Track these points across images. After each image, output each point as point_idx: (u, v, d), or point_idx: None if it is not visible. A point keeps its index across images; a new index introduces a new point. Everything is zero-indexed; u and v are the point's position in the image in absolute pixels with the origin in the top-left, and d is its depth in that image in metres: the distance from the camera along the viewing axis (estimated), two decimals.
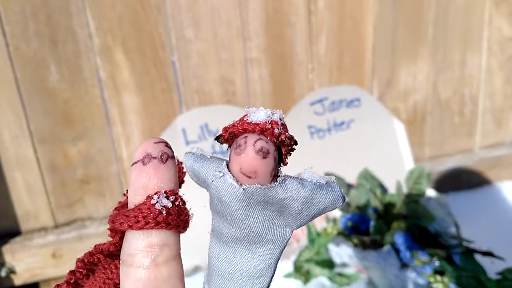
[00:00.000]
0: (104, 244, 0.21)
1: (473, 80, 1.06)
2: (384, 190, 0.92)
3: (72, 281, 0.21)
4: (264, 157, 0.19)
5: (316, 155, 0.94)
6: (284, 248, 0.21)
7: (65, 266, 0.87)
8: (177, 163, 0.22)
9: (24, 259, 0.85)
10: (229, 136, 0.20)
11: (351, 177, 0.92)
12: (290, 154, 0.20)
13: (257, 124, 0.19)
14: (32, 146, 0.83)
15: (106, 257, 0.21)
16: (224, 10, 0.86)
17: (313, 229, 0.82)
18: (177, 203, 0.20)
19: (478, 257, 0.73)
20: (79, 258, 0.21)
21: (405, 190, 0.87)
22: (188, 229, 0.21)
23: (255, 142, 0.19)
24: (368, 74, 0.98)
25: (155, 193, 0.20)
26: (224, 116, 0.89)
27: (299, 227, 0.21)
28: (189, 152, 0.22)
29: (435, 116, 1.06)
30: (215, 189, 0.20)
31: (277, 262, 0.21)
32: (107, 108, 0.86)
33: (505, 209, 1.03)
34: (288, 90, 0.94)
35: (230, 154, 0.20)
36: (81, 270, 0.21)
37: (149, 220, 0.19)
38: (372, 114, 0.97)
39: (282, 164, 0.20)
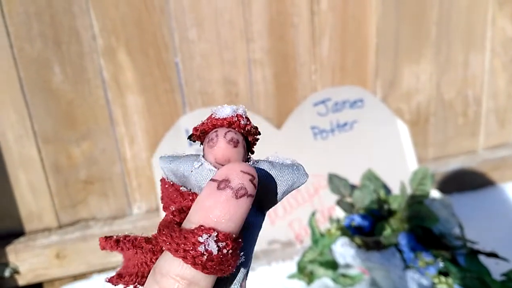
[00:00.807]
0: (146, 244, 0.21)
1: (477, 80, 1.06)
2: (387, 191, 0.92)
3: (116, 248, 0.21)
4: (235, 146, 0.21)
5: (319, 156, 0.94)
6: (260, 229, 0.23)
7: (69, 266, 0.88)
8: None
9: (28, 260, 0.86)
10: (201, 133, 0.22)
11: (355, 178, 0.92)
12: (255, 143, 0.23)
13: (225, 119, 0.21)
14: (36, 146, 0.84)
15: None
16: (227, 11, 0.86)
17: (316, 230, 0.82)
18: (224, 251, 0.19)
19: (482, 258, 0.73)
20: (125, 238, 0.21)
21: (409, 191, 0.86)
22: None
23: (225, 134, 0.21)
24: (371, 75, 0.98)
25: (208, 230, 0.19)
26: None
27: (271, 207, 0.23)
28: (162, 156, 0.23)
29: (439, 117, 1.06)
30: (195, 178, 0.21)
31: (255, 242, 0.22)
32: (110, 109, 0.86)
33: (509, 210, 1.02)
34: (291, 91, 0.94)
35: (204, 149, 0.22)
36: (123, 247, 0.21)
37: (188, 256, 0.18)
38: (375, 115, 0.96)
39: (250, 152, 0.23)
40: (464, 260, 0.72)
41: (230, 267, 0.19)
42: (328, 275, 0.78)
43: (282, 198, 0.22)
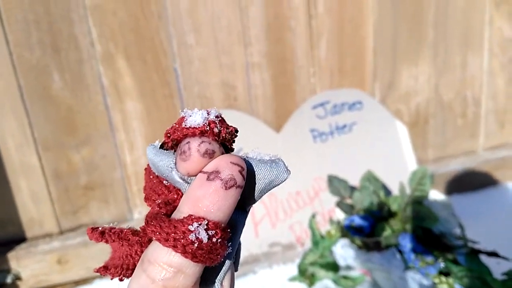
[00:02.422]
0: (133, 236, 0.21)
1: (475, 81, 1.06)
2: (387, 192, 0.92)
3: (101, 240, 0.21)
4: (211, 157, 0.20)
5: (319, 159, 0.94)
6: (244, 226, 0.22)
7: (70, 272, 0.88)
8: None
9: (29, 266, 0.86)
10: (173, 144, 0.21)
11: (354, 180, 0.92)
12: (234, 141, 0.22)
13: (196, 128, 0.20)
14: (36, 153, 0.84)
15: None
16: (225, 16, 0.87)
17: (317, 232, 0.82)
18: (214, 239, 0.19)
19: (483, 257, 0.73)
20: (110, 230, 0.21)
21: (408, 191, 0.86)
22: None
23: (199, 145, 0.20)
24: (369, 76, 0.98)
25: (198, 219, 0.19)
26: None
27: (252, 204, 0.22)
28: (152, 145, 0.22)
29: (438, 118, 1.06)
30: (171, 180, 0.21)
31: (239, 239, 0.22)
32: (110, 115, 0.86)
33: (509, 210, 1.02)
34: (289, 94, 0.95)
35: (176, 159, 0.21)
36: (109, 239, 0.21)
37: (178, 245, 0.19)
38: (374, 117, 0.97)
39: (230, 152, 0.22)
40: (464, 260, 0.72)
41: (219, 256, 0.20)
42: (329, 277, 0.78)
43: (261, 195, 0.22)
